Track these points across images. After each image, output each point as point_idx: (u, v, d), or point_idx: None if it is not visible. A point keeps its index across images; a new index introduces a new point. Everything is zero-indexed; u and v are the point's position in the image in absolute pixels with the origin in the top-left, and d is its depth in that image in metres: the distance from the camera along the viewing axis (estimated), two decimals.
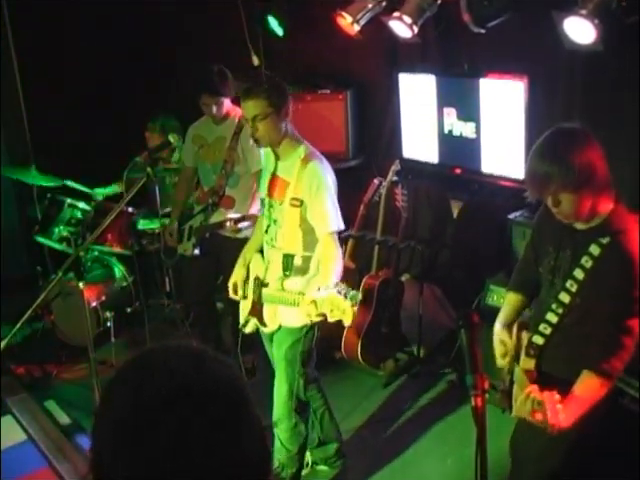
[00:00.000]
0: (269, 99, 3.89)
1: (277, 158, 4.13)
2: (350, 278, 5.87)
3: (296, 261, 4.03)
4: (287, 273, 4.03)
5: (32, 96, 7.41)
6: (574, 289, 3.03)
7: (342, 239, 5.87)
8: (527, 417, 2.91)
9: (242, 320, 4.36)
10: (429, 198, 6.22)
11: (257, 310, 4.24)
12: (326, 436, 4.65)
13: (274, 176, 4.15)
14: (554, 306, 3.12)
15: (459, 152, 5.50)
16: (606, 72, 4.55)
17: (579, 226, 3.07)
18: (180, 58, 7.39)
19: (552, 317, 3.13)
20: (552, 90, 4.92)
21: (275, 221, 4.10)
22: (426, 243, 6.10)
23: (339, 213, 3.97)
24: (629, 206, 3.12)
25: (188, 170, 5.70)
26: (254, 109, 3.91)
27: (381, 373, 5.81)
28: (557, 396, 2.84)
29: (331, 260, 3.89)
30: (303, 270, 4.03)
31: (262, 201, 4.27)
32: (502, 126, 5.08)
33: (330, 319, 3.50)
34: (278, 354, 4.19)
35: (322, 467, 4.72)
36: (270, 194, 4.15)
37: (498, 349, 3.34)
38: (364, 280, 5.76)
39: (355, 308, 3.47)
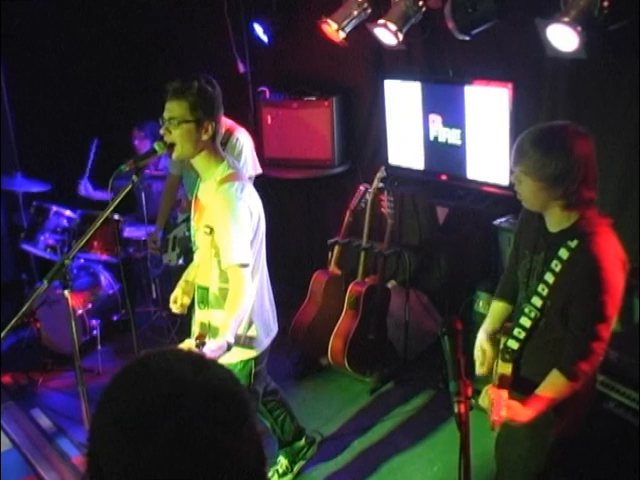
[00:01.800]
0: (192, 106, 3.51)
1: (199, 178, 3.81)
2: (337, 285, 5.90)
3: (213, 292, 3.75)
4: (201, 306, 3.81)
5: (17, 102, 7.40)
6: (545, 293, 3.04)
7: (328, 246, 5.91)
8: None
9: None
10: (415, 205, 6.23)
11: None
12: (288, 435, 4.70)
13: (196, 198, 3.84)
14: (527, 310, 3.12)
15: (445, 159, 5.52)
16: (590, 79, 4.58)
17: (551, 229, 3.07)
18: (166, 66, 7.39)
19: (525, 321, 3.14)
20: (537, 97, 4.94)
21: (198, 248, 3.81)
22: (412, 249, 6.12)
23: (247, 245, 3.57)
24: (611, 211, 3.14)
25: (174, 178, 5.69)
26: (174, 110, 3.52)
27: (368, 379, 5.81)
28: (505, 396, 2.99)
29: (236, 300, 3.52)
30: (219, 302, 3.72)
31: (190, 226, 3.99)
32: (487, 133, 5.10)
33: None
34: None
35: (301, 462, 4.80)
36: (193, 218, 3.86)
37: (478, 357, 3.35)
38: (350, 287, 5.77)
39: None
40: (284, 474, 4.72)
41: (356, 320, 5.68)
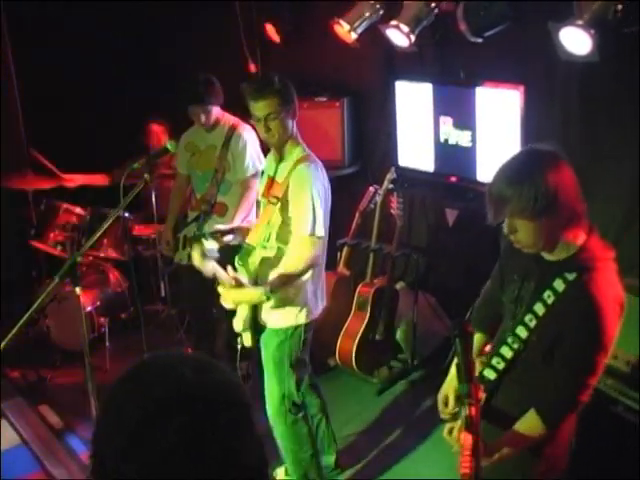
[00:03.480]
0: (280, 98, 3.88)
1: (279, 160, 4.10)
2: (346, 286, 5.90)
3: (269, 253, 4.06)
4: (240, 264, 4.12)
5: (28, 98, 7.42)
6: (533, 324, 2.79)
7: (337, 247, 5.91)
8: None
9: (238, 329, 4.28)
10: (424, 206, 6.24)
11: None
12: (320, 445, 4.62)
13: (269, 178, 4.14)
14: (510, 340, 2.87)
15: (455, 161, 5.52)
16: (603, 82, 4.57)
17: (547, 256, 2.82)
18: (178, 66, 7.40)
19: (507, 351, 2.90)
20: (548, 99, 4.94)
21: (268, 222, 4.07)
22: (421, 251, 6.12)
23: (321, 218, 3.89)
24: (622, 217, 3.04)
25: (182, 178, 5.72)
26: (266, 108, 3.88)
27: (375, 380, 5.82)
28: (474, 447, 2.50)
29: (293, 262, 3.90)
30: (276, 262, 4.03)
31: (258, 203, 4.28)
32: (498, 135, 5.09)
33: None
34: (266, 356, 4.19)
35: None
36: (266, 194, 4.13)
37: (440, 402, 3.17)
38: (359, 288, 5.78)
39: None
40: None
41: (364, 321, 5.69)
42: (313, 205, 3.86)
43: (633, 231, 4.49)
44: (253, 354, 4.55)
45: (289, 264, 3.89)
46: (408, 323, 5.85)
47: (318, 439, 4.60)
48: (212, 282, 5.40)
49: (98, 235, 3.76)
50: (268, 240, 4.07)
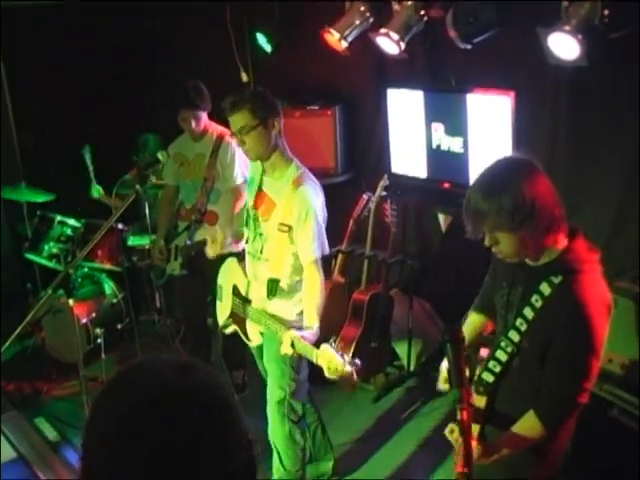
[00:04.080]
0: (253, 111, 3.85)
1: (264, 172, 4.09)
2: (340, 293, 5.90)
3: (282, 285, 4.00)
4: (270, 297, 4.01)
5: (21, 112, 7.43)
6: (523, 328, 2.83)
7: (332, 254, 5.91)
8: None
9: (221, 322, 4.37)
10: (418, 213, 6.24)
11: (239, 320, 4.25)
12: (318, 452, 4.63)
13: (260, 190, 4.11)
14: (503, 344, 2.92)
15: (447, 167, 5.53)
16: (592, 87, 4.59)
17: (531, 262, 2.86)
18: (168, 76, 7.41)
19: (502, 355, 2.94)
20: (539, 105, 4.96)
21: (261, 235, 4.06)
22: (415, 258, 6.12)
23: (324, 237, 3.96)
24: (611, 224, 3.03)
25: (170, 189, 5.73)
26: (239, 121, 3.88)
27: (371, 387, 5.82)
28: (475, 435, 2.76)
29: (314, 292, 3.89)
30: (287, 293, 4.02)
31: (247, 211, 4.24)
32: (489, 141, 5.10)
33: (326, 373, 3.50)
34: (268, 355, 4.16)
35: None
36: (256, 207, 4.11)
37: (443, 374, 3.19)
38: (354, 295, 5.79)
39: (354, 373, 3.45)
40: None
41: (360, 328, 5.69)
42: (318, 229, 3.89)
43: (623, 235, 4.51)
44: (248, 363, 4.55)
45: (311, 295, 3.90)
46: (403, 329, 5.85)
47: (315, 447, 4.60)
48: (205, 292, 5.42)
49: (90, 247, 3.77)
50: (262, 252, 4.07)
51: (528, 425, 2.82)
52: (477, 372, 3.12)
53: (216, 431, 1.27)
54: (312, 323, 3.79)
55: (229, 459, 1.27)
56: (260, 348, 4.25)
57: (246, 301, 4.18)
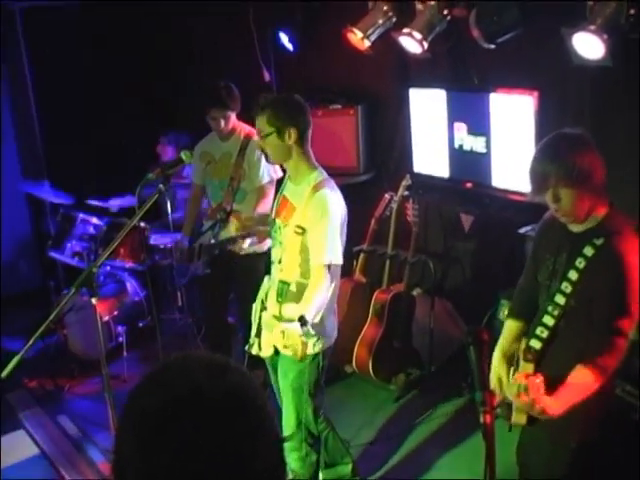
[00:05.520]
0: (270, 119, 3.84)
1: (289, 178, 4.09)
2: (362, 293, 5.89)
3: (291, 288, 3.97)
4: (280, 300, 3.98)
5: (45, 111, 7.47)
6: (569, 290, 3.06)
7: (353, 254, 5.91)
8: (514, 400, 3.04)
9: (250, 340, 4.30)
10: (440, 213, 6.23)
11: (260, 332, 4.22)
12: (332, 458, 4.58)
13: (283, 197, 4.10)
14: (550, 308, 3.12)
15: (470, 167, 5.51)
16: (616, 87, 4.56)
17: (575, 229, 3.12)
18: (192, 75, 7.44)
19: (549, 320, 3.14)
20: (562, 105, 4.92)
21: (281, 243, 4.04)
22: (437, 257, 6.11)
23: (339, 247, 3.88)
24: (636, 224, 3.12)
25: (197, 188, 5.74)
26: (259, 124, 3.91)
27: (392, 387, 5.80)
28: (540, 378, 2.95)
29: (315, 292, 3.80)
30: (298, 297, 3.94)
31: (272, 220, 4.21)
32: (512, 140, 5.08)
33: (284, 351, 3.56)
34: (284, 384, 4.12)
35: None
36: (277, 214, 4.10)
37: (495, 385, 3.29)
38: (375, 294, 5.77)
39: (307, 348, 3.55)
40: None
41: (381, 328, 5.68)
42: (331, 233, 3.82)
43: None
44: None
45: (310, 296, 3.81)
46: (425, 329, 5.84)
47: (329, 454, 4.55)
48: (227, 291, 5.42)
49: (114, 246, 3.78)
50: (280, 261, 4.04)
51: (579, 379, 2.97)
52: (524, 340, 3.29)
53: (245, 434, 1.27)
54: (305, 311, 3.67)
55: (257, 462, 1.27)
56: (272, 359, 4.22)
57: (263, 309, 4.16)
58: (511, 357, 3.36)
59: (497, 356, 3.36)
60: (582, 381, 2.97)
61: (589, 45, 3.97)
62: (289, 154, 3.93)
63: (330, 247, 3.82)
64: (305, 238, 3.86)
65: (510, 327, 3.46)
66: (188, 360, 1.37)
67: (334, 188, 3.95)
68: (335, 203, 3.87)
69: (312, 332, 3.49)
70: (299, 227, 3.87)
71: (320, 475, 4.65)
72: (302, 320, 3.49)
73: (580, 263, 3.02)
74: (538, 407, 2.89)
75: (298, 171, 3.99)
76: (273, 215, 4.18)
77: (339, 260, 3.89)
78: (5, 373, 3.45)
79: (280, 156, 3.96)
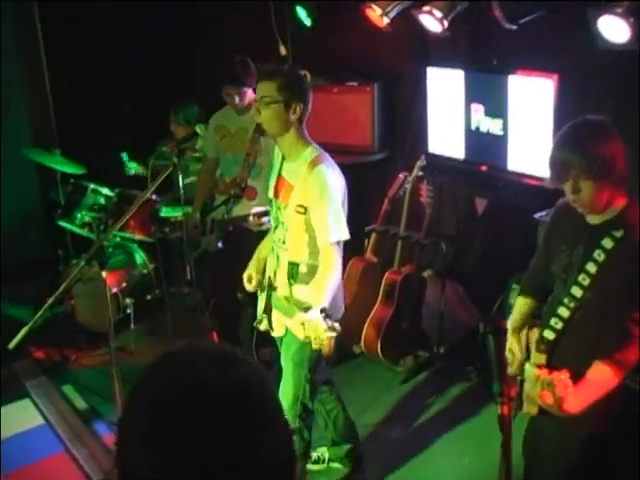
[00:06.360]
0: (282, 87, 3.71)
1: (283, 157, 3.99)
2: (373, 273, 5.86)
3: (301, 269, 3.92)
4: (292, 281, 3.94)
5: (58, 83, 7.44)
6: (586, 283, 3.02)
7: (365, 233, 5.87)
8: (537, 400, 2.99)
9: (258, 317, 4.28)
10: (454, 194, 6.19)
11: (269, 310, 4.19)
12: (340, 437, 4.59)
13: (280, 177, 4.01)
14: (566, 300, 3.09)
15: (486, 149, 5.47)
16: (638, 71, 4.48)
17: (592, 221, 3.09)
18: (208, 47, 7.38)
19: (564, 311, 3.11)
20: (582, 89, 4.86)
21: (282, 223, 3.97)
22: (450, 240, 6.06)
23: (343, 222, 3.80)
24: None
25: (210, 161, 5.69)
26: (265, 90, 3.74)
27: (400, 369, 5.79)
28: (565, 375, 2.89)
29: (327, 274, 3.74)
30: (309, 278, 3.89)
31: (270, 201, 4.15)
32: (530, 124, 5.03)
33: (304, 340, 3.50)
34: (286, 357, 4.11)
35: (337, 465, 4.70)
36: (276, 195, 4.02)
37: (507, 358, 3.30)
38: (386, 275, 5.74)
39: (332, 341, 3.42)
40: (316, 462, 4.71)
41: (391, 309, 5.65)
42: (334, 210, 3.75)
43: None
44: (275, 341, 4.51)
45: (324, 278, 3.74)
46: (434, 312, 5.81)
47: (337, 432, 4.56)
48: (238, 268, 5.38)
49: (126, 219, 3.75)
50: (284, 242, 3.98)
51: (599, 376, 2.95)
52: (536, 333, 3.28)
53: (251, 423, 1.25)
54: (318, 302, 3.58)
55: (265, 454, 1.25)
56: (282, 340, 4.20)
57: (273, 288, 4.12)
58: (519, 334, 3.39)
59: (509, 333, 3.38)
60: (601, 378, 2.95)
61: (615, 28, 3.91)
62: (286, 129, 3.81)
63: (335, 224, 3.75)
64: (308, 217, 3.79)
65: (520, 304, 3.51)
66: (193, 351, 1.35)
67: (331, 163, 3.86)
68: (334, 178, 3.79)
69: (337, 327, 3.40)
70: (300, 206, 3.80)
71: (326, 453, 4.68)
72: (324, 312, 3.41)
73: (599, 256, 2.98)
74: (563, 405, 2.88)
75: (292, 148, 3.88)
76: (271, 195, 4.09)
77: (346, 235, 3.81)
78: (13, 344, 3.43)
79: (277, 129, 3.82)
